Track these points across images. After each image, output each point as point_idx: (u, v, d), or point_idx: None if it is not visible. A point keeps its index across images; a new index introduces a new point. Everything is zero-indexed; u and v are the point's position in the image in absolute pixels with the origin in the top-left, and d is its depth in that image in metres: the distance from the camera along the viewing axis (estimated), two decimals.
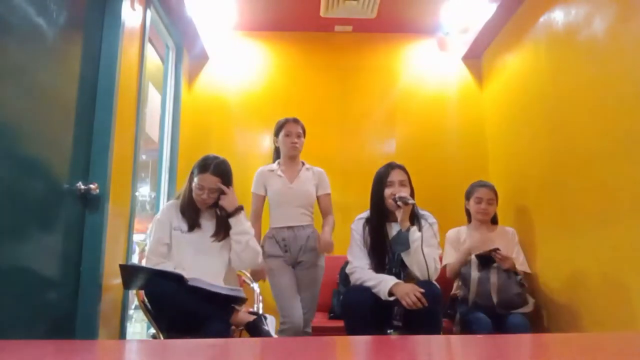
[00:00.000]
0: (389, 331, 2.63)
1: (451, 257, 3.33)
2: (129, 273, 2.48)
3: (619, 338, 1.10)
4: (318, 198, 3.22)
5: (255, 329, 2.51)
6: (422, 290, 2.44)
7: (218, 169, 2.68)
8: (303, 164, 3.24)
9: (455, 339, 1.29)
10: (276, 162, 3.26)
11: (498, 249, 3.07)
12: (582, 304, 2.87)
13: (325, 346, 0.95)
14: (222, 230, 2.75)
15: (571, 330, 2.92)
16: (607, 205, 2.63)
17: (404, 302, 2.44)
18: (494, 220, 3.45)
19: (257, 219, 3.18)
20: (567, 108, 3.05)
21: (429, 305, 2.43)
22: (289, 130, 3.15)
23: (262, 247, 3.02)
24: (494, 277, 3.04)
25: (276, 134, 3.23)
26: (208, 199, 2.69)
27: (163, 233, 2.71)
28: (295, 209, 3.09)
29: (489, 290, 3.01)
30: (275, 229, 3.10)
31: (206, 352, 0.90)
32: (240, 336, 2.66)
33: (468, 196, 3.47)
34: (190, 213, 2.72)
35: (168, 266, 2.58)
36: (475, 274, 3.09)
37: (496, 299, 2.99)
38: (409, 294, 2.43)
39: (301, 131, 3.19)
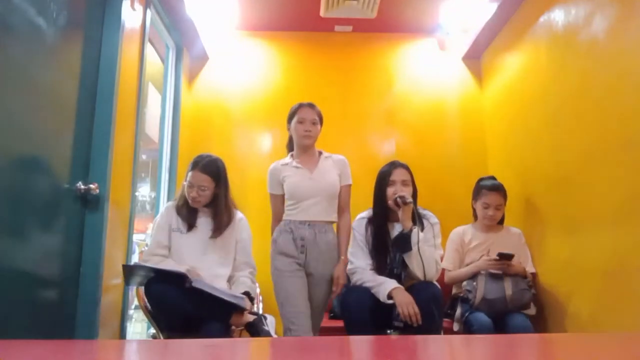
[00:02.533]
0: (388, 331, 2.63)
1: (452, 261, 3.29)
2: (131, 271, 2.50)
3: (621, 338, 1.10)
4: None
5: (255, 329, 2.51)
6: (418, 312, 2.44)
7: (207, 167, 2.69)
8: (320, 153, 2.93)
9: (456, 339, 1.29)
10: (289, 154, 2.94)
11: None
12: (584, 304, 2.86)
13: (325, 346, 0.95)
14: (219, 229, 2.75)
15: (573, 330, 2.92)
16: (609, 205, 2.63)
17: (400, 310, 2.44)
18: (500, 221, 3.38)
19: (278, 222, 2.89)
20: (567, 108, 3.04)
21: (429, 305, 2.43)
22: (302, 117, 2.83)
23: (275, 240, 2.80)
24: (508, 290, 3.00)
25: (289, 121, 2.92)
26: (198, 197, 2.69)
27: (161, 236, 2.72)
28: (318, 204, 2.77)
29: (499, 302, 2.98)
30: (294, 222, 2.77)
31: (206, 352, 0.90)
32: (240, 336, 2.66)
33: (476, 196, 3.39)
34: (185, 213, 2.73)
35: (169, 262, 2.60)
36: (482, 285, 3.05)
37: (510, 306, 2.99)
38: (408, 306, 2.44)
39: (317, 118, 2.86)
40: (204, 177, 2.67)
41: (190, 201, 2.72)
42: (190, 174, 2.69)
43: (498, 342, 1.03)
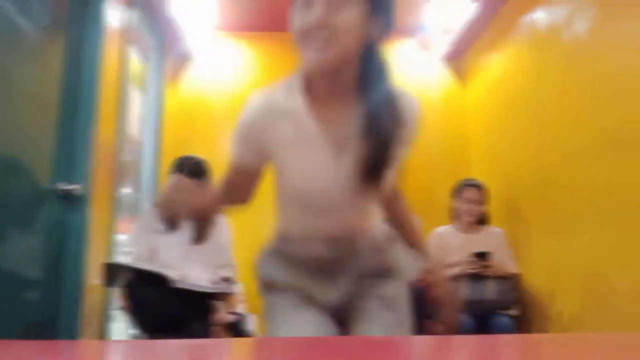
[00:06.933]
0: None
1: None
2: (113, 271, 2.48)
3: (604, 339, 1.12)
4: None
5: (236, 329, 2.51)
6: None
7: (194, 171, 2.68)
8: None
9: (438, 339, 1.30)
10: (288, 81, 1.42)
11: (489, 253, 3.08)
12: (567, 304, 2.90)
13: (321, 346, 0.96)
14: (200, 234, 2.74)
15: (556, 330, 2.94)
16: (594, 206, 2.66)
17: None
18: (482, 221, 3.40)
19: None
20: (550, 108, 3.08)
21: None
22: None
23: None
24: (490, 291, 3.01)
25: None
26: (184, 200, 2.68)
27: (145, 238, 2.71)
28: (347, 209, 1.40)
29: (481, 303, 2.99)
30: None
31: (189, 352, 0.90)
32: (221, 336, 2.65)
33: (455, 194, 3.40)
34: (168, 214, 2.72)
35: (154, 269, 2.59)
36: (463, 287, 3.03)
37: (493, 307, 3.00)
38: None
39: None
40: (190, 181, 2.66)
41: (175, 204, 2.70)
42: (175, 177, 2.67)
43: (480, 343, 1.05)
